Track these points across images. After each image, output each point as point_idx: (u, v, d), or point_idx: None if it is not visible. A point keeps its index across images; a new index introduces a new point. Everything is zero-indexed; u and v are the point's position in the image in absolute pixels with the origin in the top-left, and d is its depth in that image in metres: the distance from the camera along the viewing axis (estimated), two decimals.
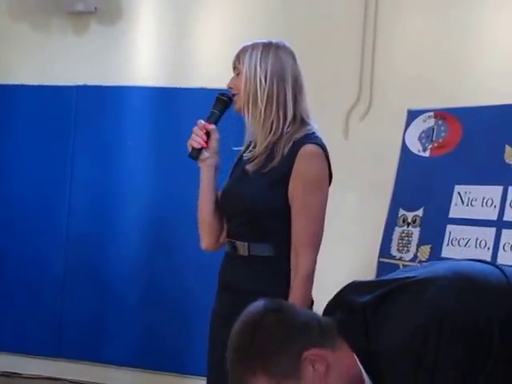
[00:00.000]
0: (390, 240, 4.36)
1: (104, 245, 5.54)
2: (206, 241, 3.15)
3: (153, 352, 5.43)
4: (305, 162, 2.87)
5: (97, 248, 5.56)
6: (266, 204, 2.90)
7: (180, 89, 5.46)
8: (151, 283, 5.44)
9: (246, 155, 3.02)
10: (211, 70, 5.41)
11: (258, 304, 1.98)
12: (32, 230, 5.67)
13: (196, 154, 3.02)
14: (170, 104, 5.49)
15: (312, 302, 2.94)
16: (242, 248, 2.96)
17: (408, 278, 2.00)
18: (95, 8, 5.68)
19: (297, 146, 2.89)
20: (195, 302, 5.30)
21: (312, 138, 2.91)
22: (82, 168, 5.62)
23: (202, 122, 3.02)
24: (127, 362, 5.48)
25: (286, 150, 2.89)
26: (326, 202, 2.91)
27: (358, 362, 1.94)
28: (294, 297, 2.79)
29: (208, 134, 3.01)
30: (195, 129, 3.01)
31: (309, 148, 2.88)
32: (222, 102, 3.05)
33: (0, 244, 5.70)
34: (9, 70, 5.85)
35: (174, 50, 5.55)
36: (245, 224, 2.95)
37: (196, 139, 3.00)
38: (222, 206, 3.09)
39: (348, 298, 2.02)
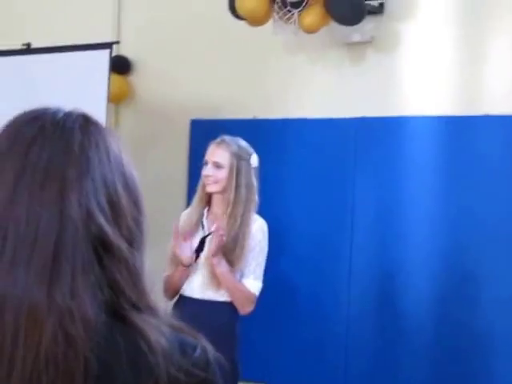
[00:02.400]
0: None
1: (391, 280, 5.31)
2: None
3: None
4: None
5: (383, 284, 5.35)
6: None
7: (467, 117, 5.17)
8: (445, 321, 5.12)
9: None
10: (495, 93, 5.12)
11: None
12: (315, 265, 5.54)
13: None
14: (455, 133, 5.21)
15: None
16: None
17: None
18: (371, 37, 5.54)
19: None
20: (493, 340, 4.96)
21: None
22: (364, 202, 5.45)
23: None
24: None
25: None
26: None
27: None
28: None
29: None
30: None
31: None
32: None
33: (291, 282, 5.59)
34: (286, 105, 5.82)
35: (458, 75, 5.27)
36: None
37: None
38: None
39: None
